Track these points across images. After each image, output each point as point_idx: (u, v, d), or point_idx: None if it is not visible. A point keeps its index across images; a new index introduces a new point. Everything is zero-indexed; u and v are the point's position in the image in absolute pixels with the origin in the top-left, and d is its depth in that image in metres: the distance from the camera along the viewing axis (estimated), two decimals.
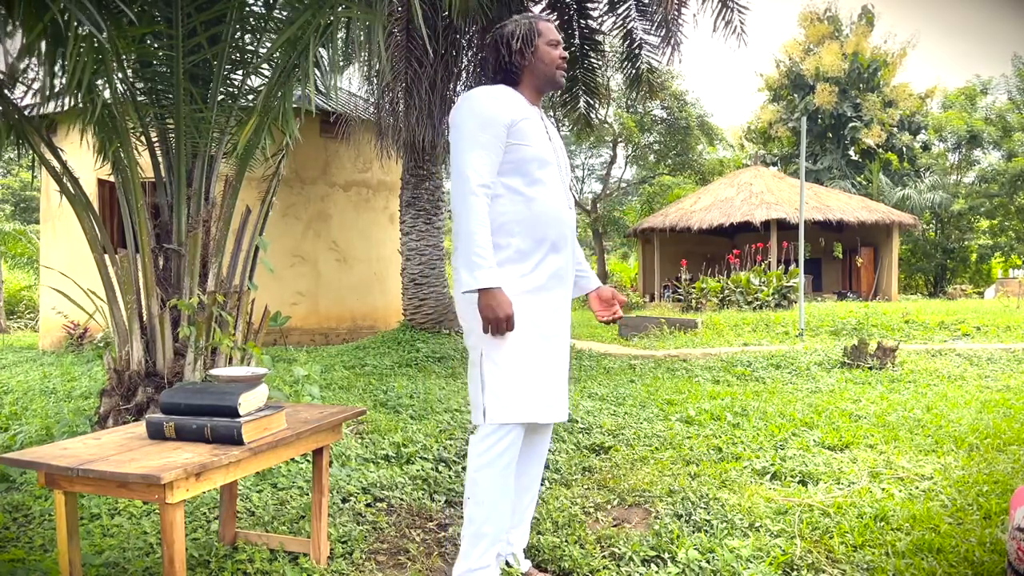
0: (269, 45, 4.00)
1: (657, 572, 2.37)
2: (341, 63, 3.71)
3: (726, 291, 14.32)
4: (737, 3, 8.22)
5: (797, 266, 11.83)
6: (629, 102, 23.50)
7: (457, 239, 2.13)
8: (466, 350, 2.44)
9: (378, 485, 3.23)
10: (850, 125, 24.70)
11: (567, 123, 10.06)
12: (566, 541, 2.59)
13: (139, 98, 3.83)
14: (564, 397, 2.33)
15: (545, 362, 2.23)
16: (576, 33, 8.92)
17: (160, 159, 3.90)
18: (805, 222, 10.98)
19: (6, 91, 3.63)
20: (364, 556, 2.55)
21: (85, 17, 2.49)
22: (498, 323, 2.06)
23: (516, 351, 2.16)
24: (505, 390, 2.15)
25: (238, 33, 3.85)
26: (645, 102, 22.81)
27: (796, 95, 26.21)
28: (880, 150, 24.78)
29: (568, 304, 2.37)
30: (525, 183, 2.19)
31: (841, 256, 19.94)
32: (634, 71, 9.22)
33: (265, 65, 4.00)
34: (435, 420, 4.50)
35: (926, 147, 26.07)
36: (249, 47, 4.04)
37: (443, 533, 2.79)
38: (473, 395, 2.24)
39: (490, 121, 2.14)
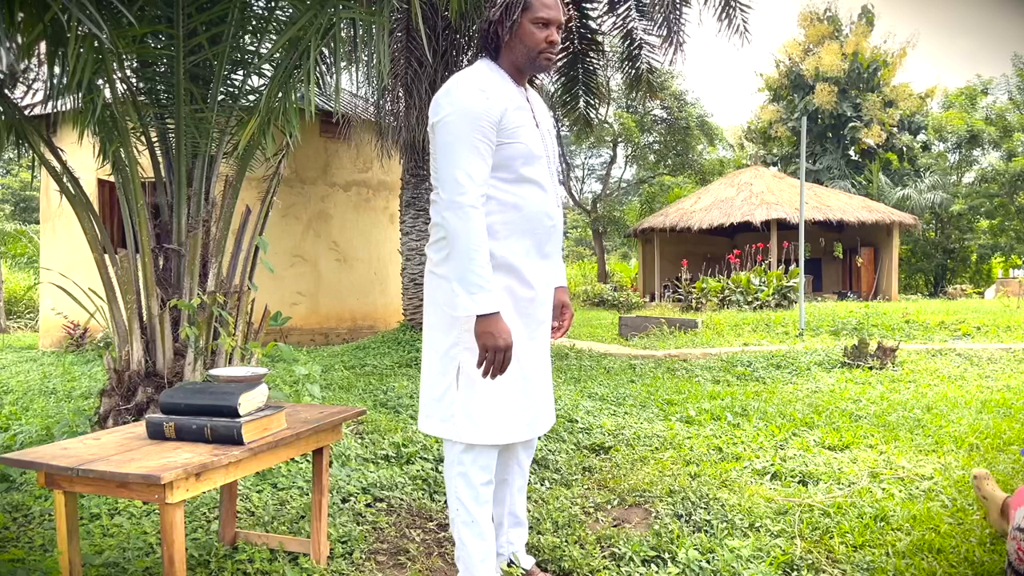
0: (270, 45, 4.00)
1: (657, 572, 2.37)
2: (343, 64, 3.69)
3: (726, 291, 14.33)
4: (740, 2, 8.22)
5: (797, 266, 11.83)
6: (629, 102, 23.54)
7: (451, 250, 1.97)
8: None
9: (378, 485, 3.23)
10: (850, 125, 24.70)
11: (567, 123, 10.06)
12: (566, 541, 2.59)
13: (139, 98, 3.83)
14: (548, 404, 2.24)
15: (525, 375, 2.12)
16: (575, 34, 8.92)
17: (160, 159, 3.90)
18: (805, 222, 10.98)
19: (6, 91, 3.63)
20: (364, 556, 2.55)
21: (85, 17, 2.49)
22: (497, 352, 1.92)
23: None
24: (481, 411, 2.05)
25: (239, 33, 3.85)
26: (645, 102, 22.85)
27: (796, 95, 26.22)
28: (880, 150, 24.78)
29: (549, 308, 2.25)
30: (511, 181, 2.03)
31: (841, 256, 19.95)
32: (634, 71, 9.23)
33: (266, 65, 4.00)
34: None
35: (926, 147, 26.05)
36: (250, 47, 4.04)
37: (443, 533, 2.79)
38: (431, 404, 2.12)
39: (480, 119, 1.94)
